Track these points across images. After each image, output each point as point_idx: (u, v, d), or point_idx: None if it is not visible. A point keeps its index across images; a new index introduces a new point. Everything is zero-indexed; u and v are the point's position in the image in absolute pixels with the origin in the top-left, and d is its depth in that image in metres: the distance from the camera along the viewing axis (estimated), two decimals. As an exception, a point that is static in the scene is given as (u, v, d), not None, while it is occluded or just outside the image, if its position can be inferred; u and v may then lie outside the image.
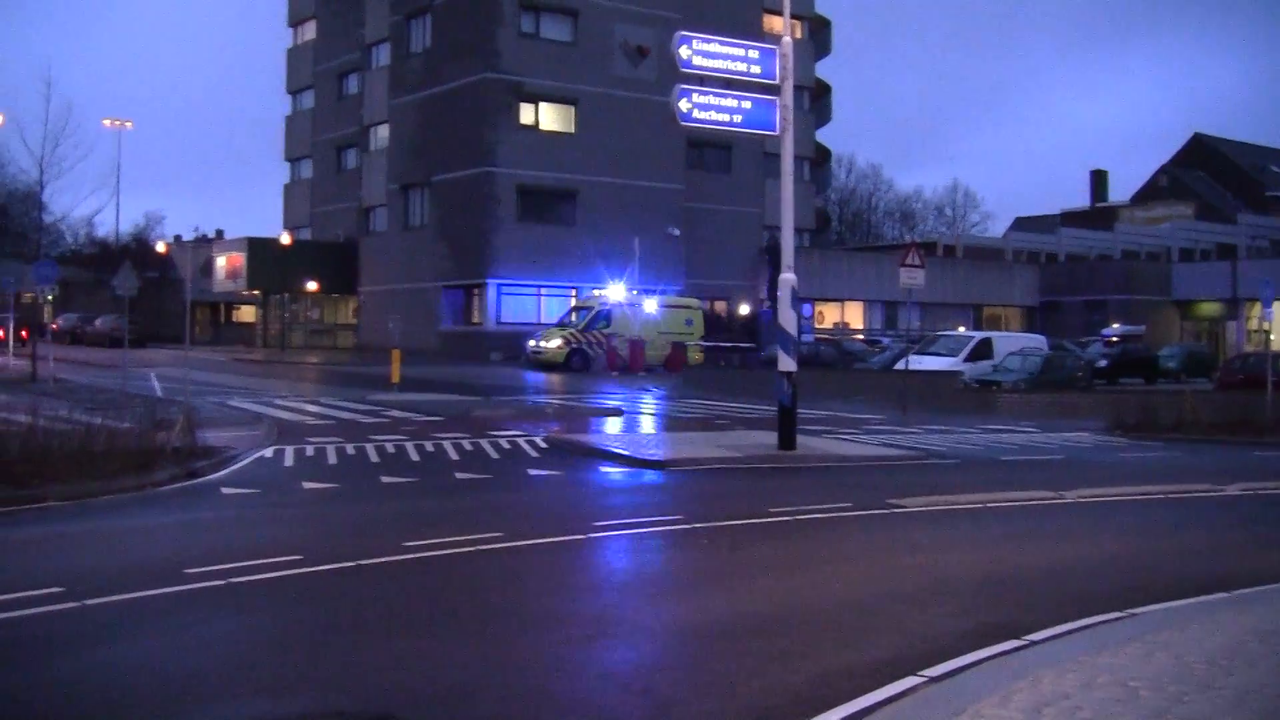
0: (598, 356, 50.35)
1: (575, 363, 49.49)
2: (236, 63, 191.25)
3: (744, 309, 66.46)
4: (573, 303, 55.56)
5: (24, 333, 54.23)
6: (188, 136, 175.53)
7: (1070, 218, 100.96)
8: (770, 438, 22.00)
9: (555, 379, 44.70)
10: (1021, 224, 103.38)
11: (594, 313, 51.02)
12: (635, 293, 52.20)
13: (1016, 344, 44.13)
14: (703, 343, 53.60)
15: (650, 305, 51.81)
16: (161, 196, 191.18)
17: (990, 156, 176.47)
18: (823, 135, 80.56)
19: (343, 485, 17.16)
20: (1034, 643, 8.58)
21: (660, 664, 8.25)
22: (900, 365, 37.15)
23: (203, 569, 10.77)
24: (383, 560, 11.56)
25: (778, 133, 21.43)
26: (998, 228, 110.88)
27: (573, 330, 50.63)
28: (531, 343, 50.99)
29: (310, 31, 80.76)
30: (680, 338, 52.30)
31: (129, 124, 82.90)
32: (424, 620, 9.44)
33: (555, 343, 49.95)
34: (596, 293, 53.50)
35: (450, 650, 8.54)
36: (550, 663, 8.30)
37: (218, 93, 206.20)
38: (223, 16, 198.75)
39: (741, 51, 21.18)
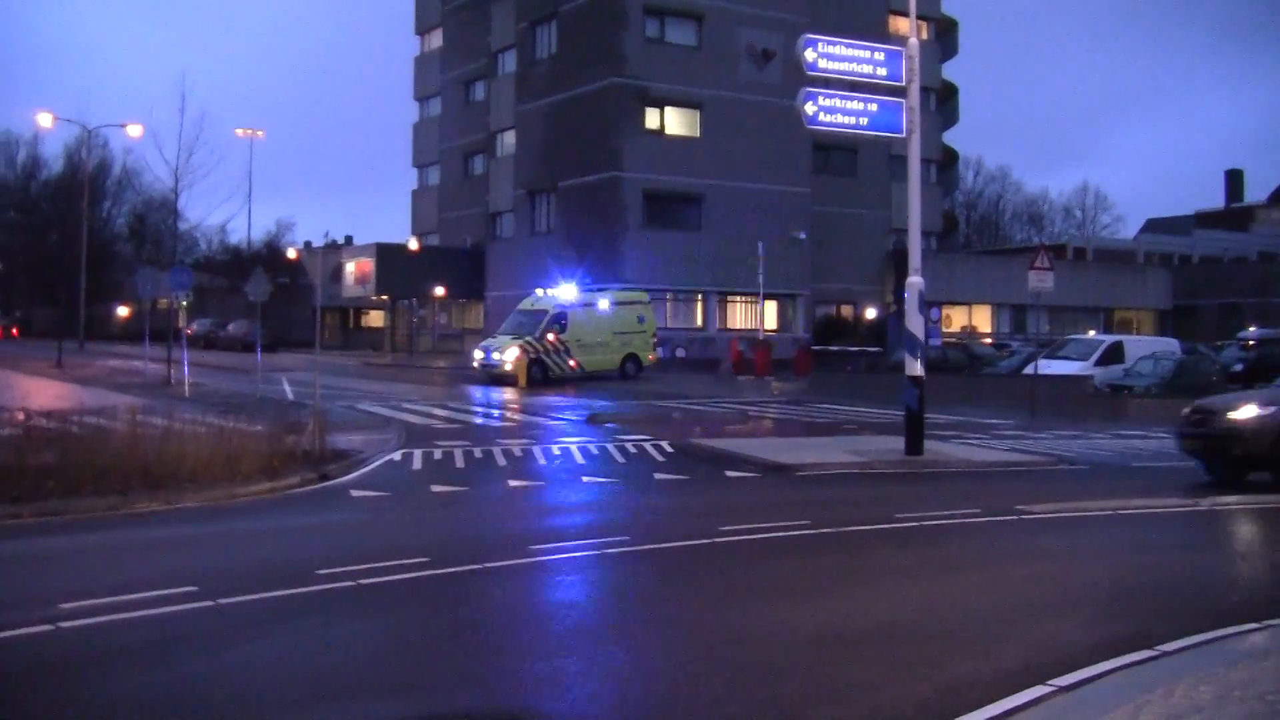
0: (556, 365, 44.47)
1: (535, 374, 43.30)
2: (365, 71, 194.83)
3: (870, 313, 66.00)
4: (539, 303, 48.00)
5: (14, 330, 55.58)
6: (318, 144, 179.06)
7: (1204, 219, 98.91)
8: (898, 443, 21.82)
9: (686, 383, 44.32)
10: (1153, 225, 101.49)
11: (549, 316, 45.12)
12: (586, 291, 48.12)
13: (1148, 348, 43.11)
14: (830, 347, 52.67)
15: (603, 304, 47.03)
16: (292, 203, 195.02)
17: (1121, 157, 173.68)
18: (950, 137, 79.68)
19: (470, 489, 17.34)
20: (1166, 654, 8.40)
21: (786, 670, 8.21)
22: (1029, 370, 36.63)
23: (333, 570, 10.96)
24: (510, 563, 11.67)
25: (904, 135, 21.27)
26: (1129, 229, 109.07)
27: (530, 339, 44.20)
28: (479, 353, 45.60)
29: (437, 39, 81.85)
30: (633, 335, 47.40)
31: (261, 133, 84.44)
32: (551, 622, 9.51)
33: (513, 353, 43.18)
34: (541, 293, 47.91)
35: (580, 654, 8.61)
36: (688, 668, 8.29)
37: (347, 101, 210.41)
38: (351, 26, 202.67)
39: (867, 54, 21.06)
